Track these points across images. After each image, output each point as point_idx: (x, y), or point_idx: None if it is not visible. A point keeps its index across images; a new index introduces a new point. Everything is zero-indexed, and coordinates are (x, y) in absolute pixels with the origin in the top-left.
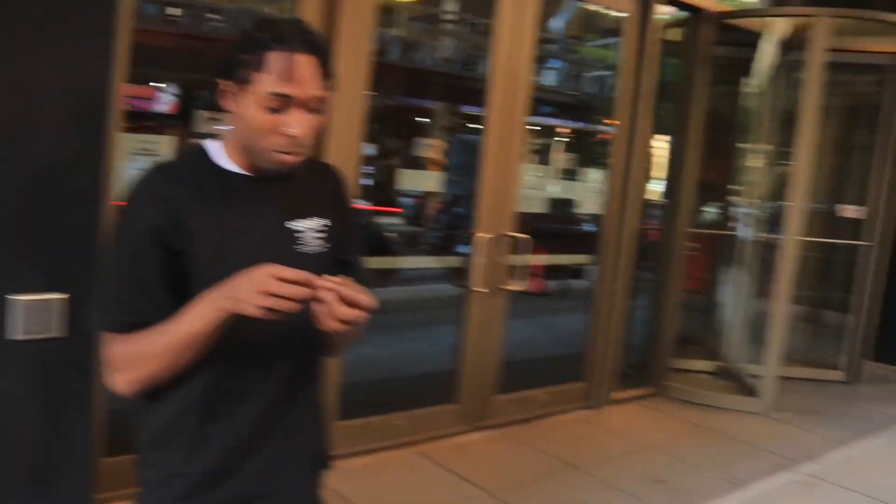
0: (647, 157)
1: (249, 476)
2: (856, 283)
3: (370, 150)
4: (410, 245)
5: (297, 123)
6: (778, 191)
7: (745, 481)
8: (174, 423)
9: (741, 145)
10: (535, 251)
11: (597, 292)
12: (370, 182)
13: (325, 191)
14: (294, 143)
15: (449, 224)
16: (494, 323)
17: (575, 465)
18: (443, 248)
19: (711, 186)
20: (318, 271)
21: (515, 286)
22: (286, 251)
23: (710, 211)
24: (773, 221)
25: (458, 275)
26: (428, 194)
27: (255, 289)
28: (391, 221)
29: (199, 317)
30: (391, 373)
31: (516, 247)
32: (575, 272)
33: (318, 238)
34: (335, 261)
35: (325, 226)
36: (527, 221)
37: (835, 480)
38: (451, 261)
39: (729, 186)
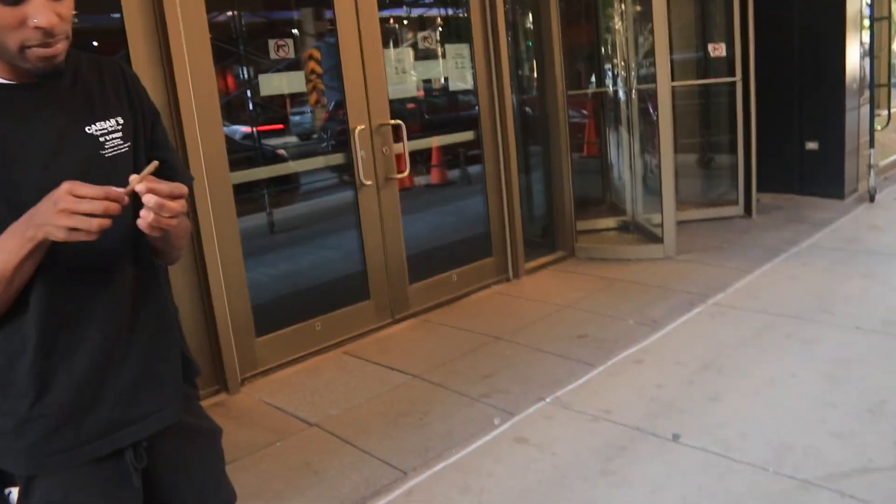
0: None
1: (113, 403)
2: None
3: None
4: (305, 158)
5: (39, 11)
6: (645, 45)
7: (660, 322)
8: (10, 364)
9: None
10: (422, 138)
11: (487, 168)
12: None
13: (115, 87)
14: (44, 33)
15: (337, 130)
16: (390, 213)
17: (497, 336)
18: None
19: (580, 50)
20: (126, 173)
21: (403, 175)
22: (86, 159)
23: (586, 74)
24: (648, 76)
25: (347, 172)
26: (316, 105)
27: (56, 210)
28: (280, 141)
29: (7, 250)
30: (303, 285)
31: (398, 136)
32: (474, 159)
33: (117, 138)
34: (144, 158)
35: (120, 123)
36: (407, 110)
37: (739, 305)
38: (335, 158)
39: (599, 49)
